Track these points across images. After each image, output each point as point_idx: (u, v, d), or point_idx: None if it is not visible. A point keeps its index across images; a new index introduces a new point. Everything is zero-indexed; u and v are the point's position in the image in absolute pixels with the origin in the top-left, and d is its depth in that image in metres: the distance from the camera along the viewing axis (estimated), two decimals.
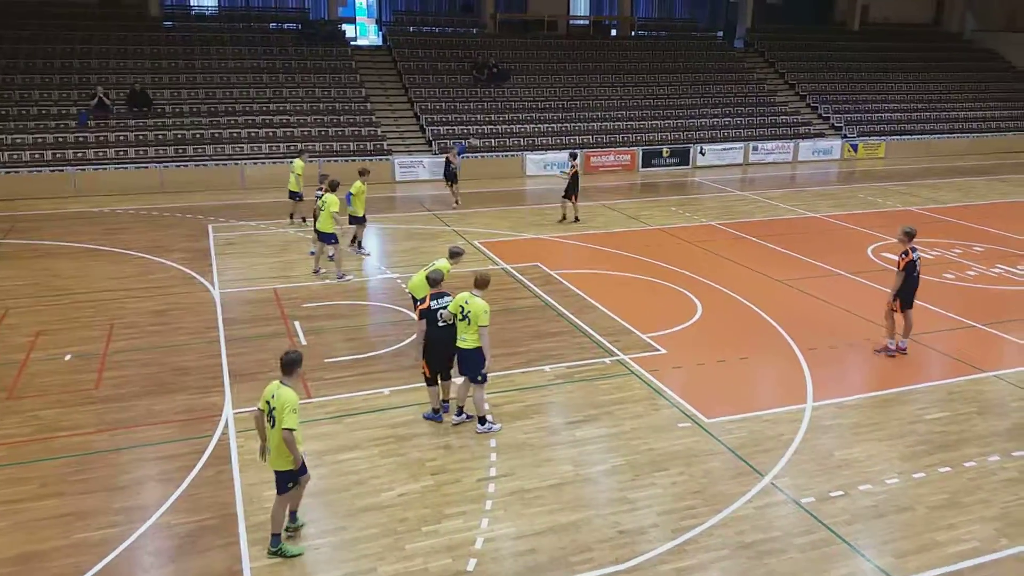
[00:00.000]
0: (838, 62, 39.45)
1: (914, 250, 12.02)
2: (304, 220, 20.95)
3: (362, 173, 18.15)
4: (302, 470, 7.65)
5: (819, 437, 9.96)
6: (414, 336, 11.91)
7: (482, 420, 10.02)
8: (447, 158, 24.11)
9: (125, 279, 16.38)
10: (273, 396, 7.39)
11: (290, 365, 7.50)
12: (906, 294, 12.13)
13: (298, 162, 20.73)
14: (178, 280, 16.32)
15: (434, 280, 10.18)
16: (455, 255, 11.80)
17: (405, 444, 9.69)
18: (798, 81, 37.89)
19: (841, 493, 8.71)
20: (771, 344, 13.01)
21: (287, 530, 7.88)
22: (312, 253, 17.44)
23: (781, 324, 13.73)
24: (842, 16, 42.52)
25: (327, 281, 16.20)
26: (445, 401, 10.39)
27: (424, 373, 10.16)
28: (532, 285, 15.93)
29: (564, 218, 21.73)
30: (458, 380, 10.25)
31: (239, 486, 8.74)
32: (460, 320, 9.73)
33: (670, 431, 10.07)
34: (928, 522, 8.21)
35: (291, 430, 7.28)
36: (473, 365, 9.83)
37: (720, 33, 40.79)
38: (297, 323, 13.74)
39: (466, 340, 9.75)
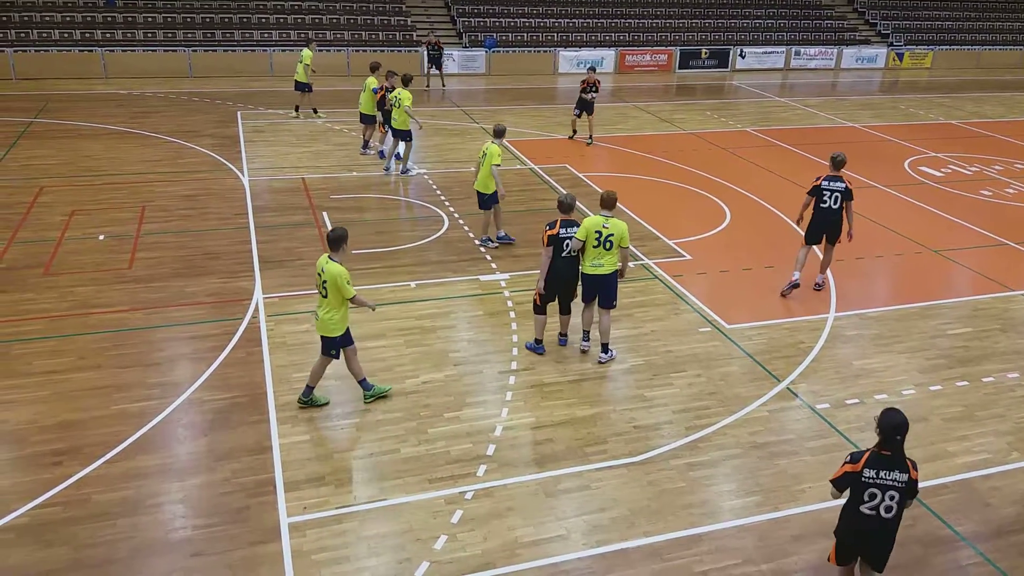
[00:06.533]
0: None
1: (820, 179, 11.02)
2: (315, 111, 20.68)
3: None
4: (346, 340, 8.18)
5: (839, 347, 10.03)
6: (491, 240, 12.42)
7: (605, 348, 9.44)
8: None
9: (155, 163, 16.47)
10: (323, 270, 7.86)
11: (334, 242, 7.87)
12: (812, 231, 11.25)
13: (307, 51, 20.08)
14: (208, 166, 16.39)
15: (567, 206, 9.24)
16: (499, 133, 11.68)
17: (430, 335, 9.90)
18: None
19: (856, 401, 8.84)
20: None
21: (368, 396, 8.50)
22: (382, 154, 17.07)
23: None
24: None
25: (353, 173, 16.17)
26: (563, 335, 9.78)
27: (535, 301, 9.49)
28: (559, 187, 15.83)
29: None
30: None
31: (269, 367, 9.03)
32: (596, 247, 8.99)
33: (690, 335, 10.17)
34: (941, 433, 8.34)
35: (352, 298, 7.89)
36: (610, 291, 9.19)
37: None
38: (325, 214, 13.83)
39: (603, 266, 9.04)
